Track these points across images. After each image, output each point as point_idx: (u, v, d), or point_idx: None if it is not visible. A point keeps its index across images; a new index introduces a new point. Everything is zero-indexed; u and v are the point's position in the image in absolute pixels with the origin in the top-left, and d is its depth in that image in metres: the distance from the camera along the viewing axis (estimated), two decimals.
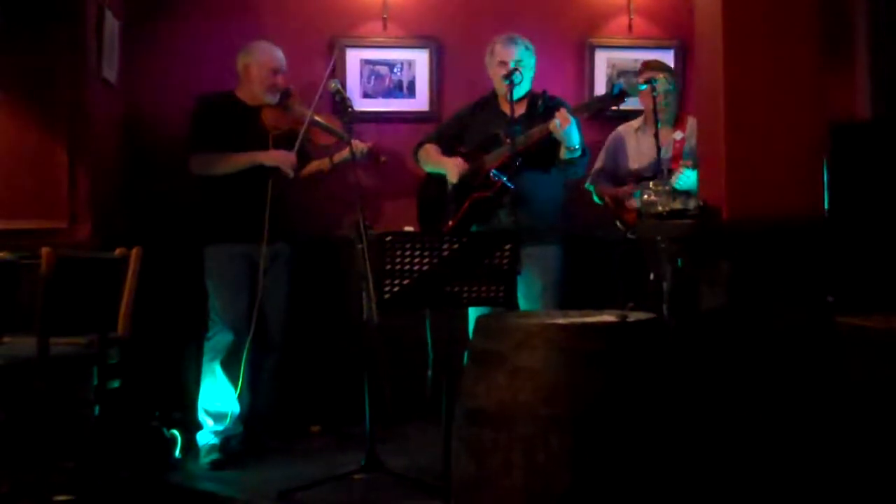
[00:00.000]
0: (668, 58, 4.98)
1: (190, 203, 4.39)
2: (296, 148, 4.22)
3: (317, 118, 4.30)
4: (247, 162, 4.24)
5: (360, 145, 4.39)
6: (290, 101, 4.39)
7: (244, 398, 4.21)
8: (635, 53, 5.04)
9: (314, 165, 4.54)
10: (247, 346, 4.15)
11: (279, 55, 4.39)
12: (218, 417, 4.20)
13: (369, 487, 3.64)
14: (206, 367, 4.23)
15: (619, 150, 4.59)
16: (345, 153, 4.33)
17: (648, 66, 4.51)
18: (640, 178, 4.32)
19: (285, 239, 4.37)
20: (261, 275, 4.22)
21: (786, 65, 3.23)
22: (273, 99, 4.37)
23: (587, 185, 4.64)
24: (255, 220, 4.18)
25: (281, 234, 4.30)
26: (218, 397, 4.21)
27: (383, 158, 4.36)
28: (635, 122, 4.58)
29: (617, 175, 4.57)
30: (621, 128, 4.64)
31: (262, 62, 4.35)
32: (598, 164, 4.63)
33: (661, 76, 4.35)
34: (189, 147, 4.32)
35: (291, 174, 4.22)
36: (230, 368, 4.18)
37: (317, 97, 4.15)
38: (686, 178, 4.16)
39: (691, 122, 4.34)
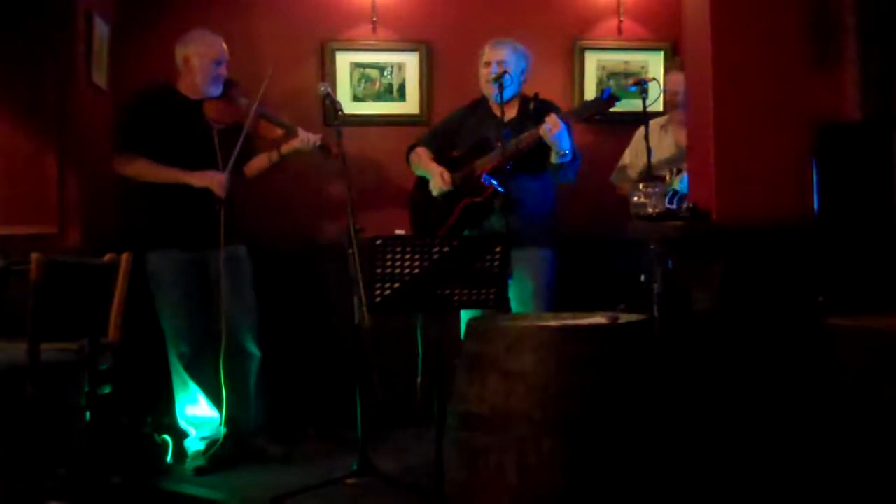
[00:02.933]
0: (657, 60, 5.01)
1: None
2: (239, 143, 3.98)
3: (263, 110, 4.13)
4: (171, 179, 4.06)
5: (309, 137, 4.21)
6: (235, 92, 4.18)
7: (225, 404, 4.07)
8: (625, 55, 5.06)
9: (261, 160, 4.33)
10: (221, 353, 4.02)
11: (221, 45, 4.19)
12: (198, 425, 4.16)
13: (362, 492, 3.63)
14: (175, 378, 4.17)
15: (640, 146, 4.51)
16: (294, 144, 4.22)
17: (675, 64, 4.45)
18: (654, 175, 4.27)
19: (240, 241, 4.19)
20: (223, 282, 4.04)
21: (774, 66, 3.25)
22: (216, 91, 4.16)
23: (612, 178, 4.61)
24: (201, 224, 4.01)
25: (234, 236, 4.12)
26: (194, 405, 4.15)
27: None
28: (661, 119, 4.50)
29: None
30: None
31: (203, 53, 4.15)
32: (625, 160, 4.57)
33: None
34: (115, 144, 4.20)
35: (223, 196, 3.99)
36: (200, 376, 4.11)
37: (262, 87, 3.99)
38: None
39: None
